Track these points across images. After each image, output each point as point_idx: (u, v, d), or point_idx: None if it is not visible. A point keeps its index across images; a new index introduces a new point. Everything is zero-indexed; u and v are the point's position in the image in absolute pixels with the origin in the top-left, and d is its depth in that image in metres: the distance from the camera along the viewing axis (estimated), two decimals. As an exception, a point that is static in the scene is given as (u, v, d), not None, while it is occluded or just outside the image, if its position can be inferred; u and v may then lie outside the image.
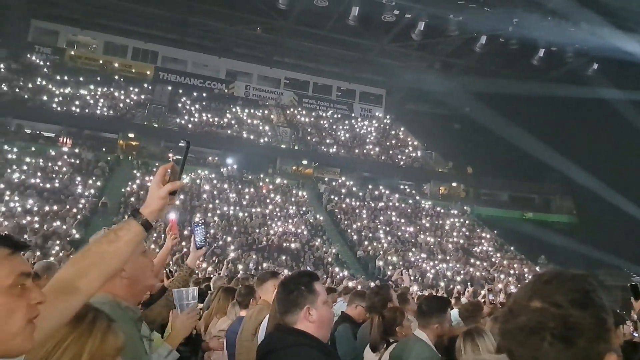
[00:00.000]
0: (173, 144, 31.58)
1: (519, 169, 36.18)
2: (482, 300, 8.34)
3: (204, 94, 39.35)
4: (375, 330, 3.78)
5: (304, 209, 28.87)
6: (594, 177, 28.66)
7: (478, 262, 27.11)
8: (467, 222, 33.17)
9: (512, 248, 30.53)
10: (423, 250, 27.05)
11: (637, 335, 6.31)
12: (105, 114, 32.71)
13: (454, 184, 38.37)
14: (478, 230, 32.49)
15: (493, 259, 28.27)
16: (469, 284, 21.65)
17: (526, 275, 25.89)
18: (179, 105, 36.96)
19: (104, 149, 30.71)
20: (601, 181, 28.33)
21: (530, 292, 1.06)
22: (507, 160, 35.29)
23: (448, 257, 26.87)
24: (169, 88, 38.81)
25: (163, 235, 18.87)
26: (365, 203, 31.64)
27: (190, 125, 34.30)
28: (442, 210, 33.75)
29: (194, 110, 36.71)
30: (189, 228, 22.73)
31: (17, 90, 31.65)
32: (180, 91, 38.70)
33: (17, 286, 1.17)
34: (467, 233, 31.39)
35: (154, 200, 1.63)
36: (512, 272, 26.33)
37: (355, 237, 26.93)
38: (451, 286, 17.95)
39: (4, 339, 1.15)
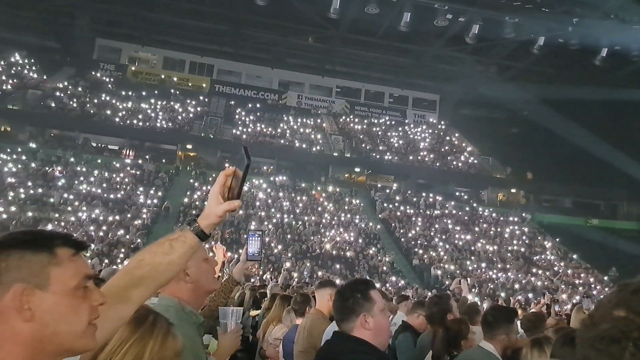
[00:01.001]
0: (229, 154, 32.34)
1: (582, 173, 34.64)
2: (546, 311, 8.01)
3: (258, 105, 40.12)
4: (439, 342, 3.69)
5: (357, 217, 28.77)
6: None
7: (540, 272, 26.07)
8: (527, 229, 32.01)
9: (576, 257, 29.17)
10: (481, 259, 26.32)
11: None
12: (165, 126, 33.95)
13: (513, 190, 37.16)
14: (539, 238, 31.28)
15: (556, 268, 27.11)
16: (530, 294, 20.92)
17: (593, 285, 24.70)
18: (234, 116, 37.85)
19: (164, 160, 31.95)
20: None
21: (615, 300, 1.00)
22: (569, 164, 33.91)
23: (508, 266, 26.02)
24: (227, 100, 39.85)
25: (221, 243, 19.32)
26: (420, 210, 31.17)
27: (244, 136, 35.02)
28: (501, 218, 32.74)
29: (248, 121, 37.50)
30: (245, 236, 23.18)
31: (84, 105, 33.39)
32: (235, 102, 39.67)
33: (81, 288, 1.20)
34: (528, 241, 30.28)
35: (212, 216, 1.57)
36: (577, 281, 25.15)
37: (410, 245, 26.56)
38: (511, 297, 17.39)
39: (68, 339, 1.17)
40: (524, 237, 30.63)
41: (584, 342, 1.02)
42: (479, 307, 5.48)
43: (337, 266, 22.55)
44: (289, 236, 24.64)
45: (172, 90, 38.99)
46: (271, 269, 19.76)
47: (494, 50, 35.72)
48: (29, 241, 1.17)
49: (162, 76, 40.64)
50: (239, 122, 37.10)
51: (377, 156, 36.12)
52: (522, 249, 28.77)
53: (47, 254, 1.17)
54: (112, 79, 38.33)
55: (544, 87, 34.14)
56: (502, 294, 20.16)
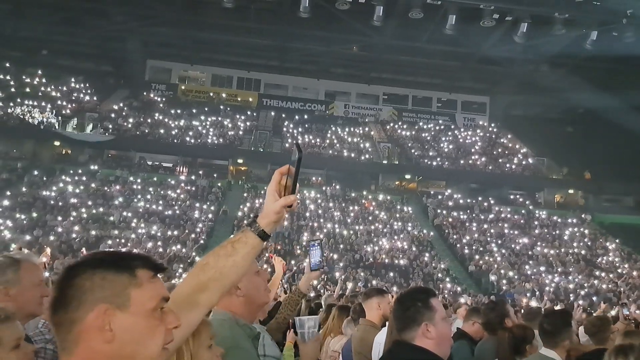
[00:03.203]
0: (278, 167, 32.56)
1: (644, 170, 32.88)
2: (615, 315, 7.66)
3: (305, 116, 40.47)
4: (506, 347, 3.60)
5: (409, 224, 28.42)
6: None
7: (603, 274, 24.88)
8: (587, 231, 30.69)
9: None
10: (540, 263, 25.43)
11: None
12: (216, 142, 34.76)
13: (571, 191, 35.75)
14: (601, 239, 29.91)
15: (620, 270, 25.79)
16: (594, 297, 20.03)
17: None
18: (283, 129, 38.30)
19: (215, 175, 32.65)
20: None
21: None
22: (630, 161, 32.25)
23: (569, 270, 25.00)
24: (272, 113, 40.41)
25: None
26: (474, 215, 30.46)
27: (293, 148, 35.22)
28: (559, 220, 31.55)
29: (296, 133, 37.83)
30: (302, 247, 23.29)
31: (139, 125, 34.70)
32: (283, 115, 40.13)
33: (158, 310, 1.21)
34: (589, 243, 29.03)
35: (270, 213, 1.58)
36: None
37: (465, 251, 25.99)
38: (578, 301, 16.71)
39: None
40: (584, 239, 29.40)
41: None
42: (539, 310, 5.32)
43: (391, 274, 22.33)
44: (341, 246, 24.61)
45: (222, 107, 39.92)
46: (325, 279, 19.77)
47: (544, 47, 34.57)
48: (111, 262, 1.21)
49: (211, 93, 41.71)
50: (287, 135, 37.50)
51: (428, 162, 35.62)
52: (583, 252, 27.61)
53: (129, 275, 1.20)
54: (163, 99, 39.65)
55: (599, 83, 32.73)
56: (569, 301, 19.43)
